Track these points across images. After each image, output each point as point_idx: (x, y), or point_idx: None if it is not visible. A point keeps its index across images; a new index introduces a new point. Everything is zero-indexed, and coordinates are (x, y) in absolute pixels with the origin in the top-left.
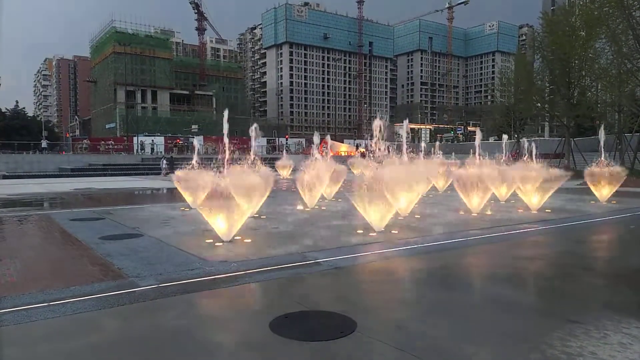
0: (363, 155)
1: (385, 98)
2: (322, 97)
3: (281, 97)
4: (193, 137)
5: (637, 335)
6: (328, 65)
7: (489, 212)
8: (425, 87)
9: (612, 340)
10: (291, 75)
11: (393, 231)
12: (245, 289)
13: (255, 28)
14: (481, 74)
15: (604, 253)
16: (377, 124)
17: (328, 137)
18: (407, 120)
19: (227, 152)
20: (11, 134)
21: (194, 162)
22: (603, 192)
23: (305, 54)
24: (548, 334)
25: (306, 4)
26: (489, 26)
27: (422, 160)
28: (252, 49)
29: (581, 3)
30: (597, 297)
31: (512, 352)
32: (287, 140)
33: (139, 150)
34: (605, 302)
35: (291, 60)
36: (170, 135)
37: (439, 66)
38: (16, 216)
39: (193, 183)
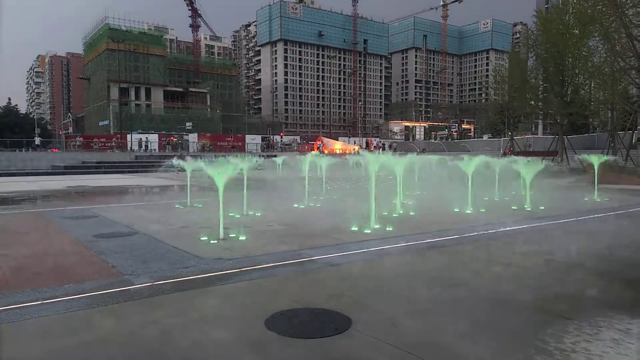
0: (359, 153)
1: (380, 96)
2: (316, 94)
3: (276, 95)
4: (187, 135)
5: (630, 332)
6: (323, 62)
7: (483, 210)
8: (420, 84)
9: (604, 336)
10: (286, 73)
11: (388, 228)
12: (240, 287)
13: (249, 25)
14: (475, 71)
15: (596, 250)
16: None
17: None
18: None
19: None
20: (4, 131)
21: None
22: (595, 189)
23: (299, 52)
24: (542, 331)
25: (301, 1)
26: (483, 24)
27: None
28: (247, 46)
29: (575, 1)
30: (590, 294)
31: (506, 348)
32: (281, 137)
33: (133, 148)
34: (598, 298)
35: (286, 58)
36: (164, 132)
37: (433, 64)
38: (8, 214)
39: None
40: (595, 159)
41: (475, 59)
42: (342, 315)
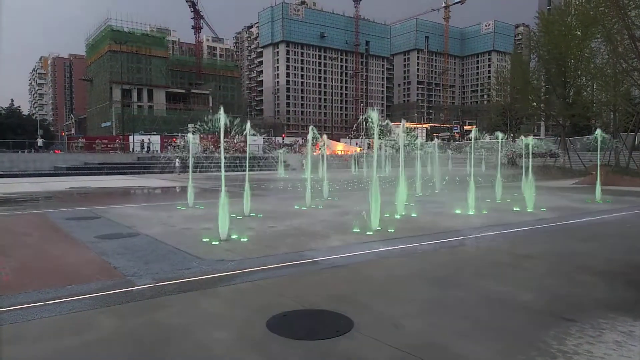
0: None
1: (382, 97)
2: (318, 96)
3: (278, 96)
4: (190, 133)
5: (633, 334)
6: (325, 64)
7: (485, 211)
8: (422, 86)
9: (607, 338)
10: (288, 74)
11: (389, 230)
12: (242, 288)
13: (251, 27)
14: (477, 73)
15: (599, 251)
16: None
17: (325, 137)
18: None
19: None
20: (6, 132)
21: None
22: (597, 190)
23: (301, 53)
24: (544, 332)
25: (303, 2)
26: (485, 25)
27: None
28: (249, 48)
29: (577, 3)
30: (593, 296)
31: (508, 350)
32: (283, 139)
33: (135, 149)
34: (601, 300)
35: (288, 59)
36: (166, 134)
37: (435, 65)
38: (11, 215)
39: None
40: (599, 133)
41: (477, 61)
42: (344, 317)
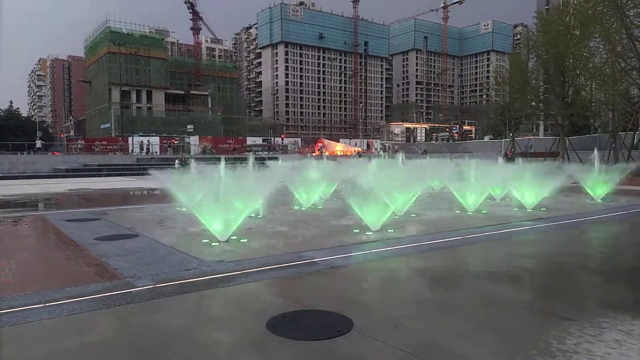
0: (360, 155)
1: (381, 97)
2: (317, 96)
3: (277, 97)
4: (189, 137)
5: (632, 332)
6: (323, 64)
7: (484, 211)
8: (421, 86)
9: (607, 337)
10: (287, 75)
11: (389, 230)
12: (242, 289)
13: (250, 28)
14: (476, 73)
15: (599, 251)
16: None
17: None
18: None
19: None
20: (5, 134)
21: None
22: (597, 190)
23: (300, 54)
24: (544, 332)
25: (301, 3)
26: (484, 25)
27: None
28: (248, 49)
29: (575, 2)
30: (593, 295)
31: (508, 349)
32: (282, 140)
33: (134, 150)
34: (601, 299)
35: (287, 60)
36: (165, 135)
37: (434, 65)
38: (11, 217)
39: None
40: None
41: (476, 61)
42: (344, 317)
